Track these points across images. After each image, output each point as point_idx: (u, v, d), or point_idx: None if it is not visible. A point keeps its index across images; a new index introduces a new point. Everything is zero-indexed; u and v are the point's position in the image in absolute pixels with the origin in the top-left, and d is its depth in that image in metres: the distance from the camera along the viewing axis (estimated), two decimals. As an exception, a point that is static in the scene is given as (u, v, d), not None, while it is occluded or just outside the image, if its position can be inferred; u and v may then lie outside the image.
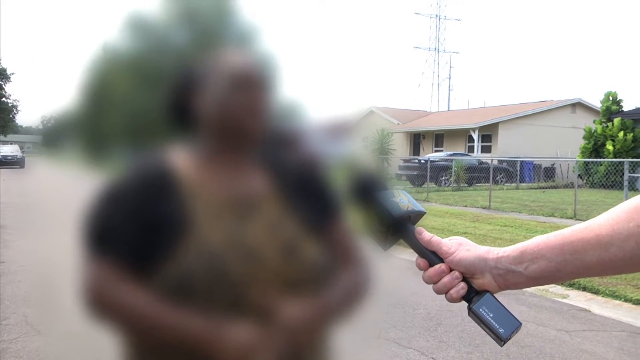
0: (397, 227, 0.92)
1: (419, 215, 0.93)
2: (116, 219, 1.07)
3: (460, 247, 0.90)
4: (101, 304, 1.06)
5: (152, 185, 1.09)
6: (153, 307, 1.02)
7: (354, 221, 1.11)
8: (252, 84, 1.11)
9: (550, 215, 11.91)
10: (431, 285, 0.91)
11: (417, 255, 0.93)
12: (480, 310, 0.87)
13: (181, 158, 1.13)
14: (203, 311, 1.02)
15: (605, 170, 17.98)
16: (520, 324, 0.87)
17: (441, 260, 0.90)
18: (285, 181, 1.17)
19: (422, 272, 0.91)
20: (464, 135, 28.33)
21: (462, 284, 0.88)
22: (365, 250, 1.20)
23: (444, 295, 0.90)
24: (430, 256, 0.91)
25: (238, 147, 1.13)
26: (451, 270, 0.89)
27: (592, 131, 21.71)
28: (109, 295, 1.05)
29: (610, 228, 0.81)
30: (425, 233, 0.92)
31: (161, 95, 1.15)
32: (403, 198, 0.93)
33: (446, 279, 0.88)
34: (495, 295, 0.89)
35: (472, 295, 0.89)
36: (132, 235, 1.05)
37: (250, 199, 1.13)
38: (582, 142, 22.04)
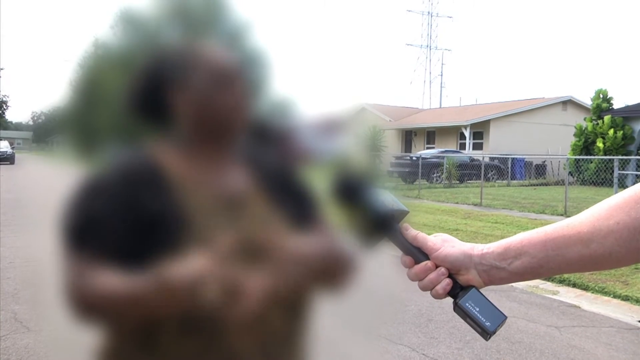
0: (382, 225, 0.93)
1: (403, 214, 0.94)
2: (99, 211, 1.01)
3: (445, 244, 0.91)
4: (86, 303, 0.99)
5: (138, 177, 1.05)
6: (127, 283, 0.97)
7: (336, 220, 1.11)
8: (232, 81, 1.09)
9: (541, 212, 11.97)
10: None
11: (402, 253, 0.93)
12: (467, 305, 0.88)
13: (164, 154, 1.11)
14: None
15: (595, 168, 18.08)
16: (506, 317, 0.88)
17: (426, 257, 0.91)
18: (266, 178, 1.16)
19: (407, 269, 0.92)
20: (455, 132, 28.41)
21: (448, 280, 0.89)
22: (347, 247, 1.19)
23: (429, 291, 0.91)
24: (416, 253, 0.91)
25: (219, 143, 1.12)
26: (437, 266, 0.90)
27: (583, 128, 21.82)
28: (93, 292, 0.98)
29: (590, 225, 0.83)
30: (411, 229, 0.92)
31: (131, 87, 1.11)
32: (387, 197, 0.94)
33: (432, 276, 0.89)
34: (483, 290, 0.90)
35: (457, 290, 0.90)
36: (119, 228, 1.00)
37: (237, 195, 1.12)
38: (573, 140, 22.14)
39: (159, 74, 1.10)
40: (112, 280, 0.98)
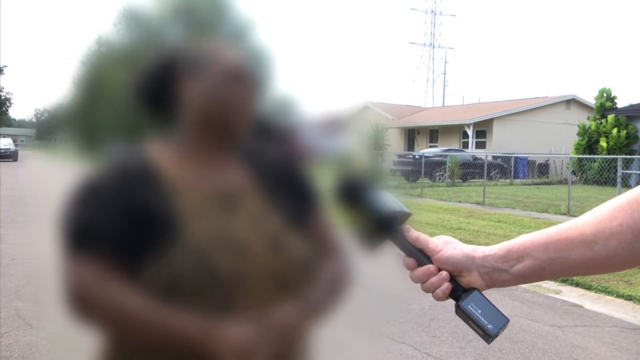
0: (385, 227, 0.92)
1: (405, 216, 0.93)
2: (96, 213, 1.03)
3: (447, 245, 0.90)
4: (85, 304, 1.01)
5: (133, 178, 1.06)
6: (143, 305, 0.99)
7: (335, 217, 1.10)
8: (242, 80, 1.10)
9: (543, 211, 11.95)
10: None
11: (404, 255, 0.92)
12: (469, 307, 0.87)
13: (161, 152, 1.11)
14: (194, 309, 0.99)
15: (598, 167, 18.02)
16: (508, 320, 0.87)
17: (429, 260, 0.90)
18: (265, 175, 1.16)
19: (410, 271, 0.91)
20: (458, 131, 28.37)
21: (447, 284, 0.88)
22: (345, 244, 1.20)
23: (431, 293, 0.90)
24: (419, 255, 0.91)
25: (221, 140, 1.12)
26: (439, 270, 0.89)
27: (586, 127, 21.76)
28: (93, 294, 1.00)
29: (594, 227, 0.81)
30: (412, 231, 0.92)
31: (137, 79, 1.12)
32: (389, 199, 0.93)
33: (434, 279, 0.89)
34: (486, 292, 0.90)
35: (459, 292, 0.89)
36: (115, 229, 1.01)
37: (232, 192, 1.12)
38: (576, 139, 22.09)
39: (170, 63, 1.11)
40: (124, 294, 1.00)
